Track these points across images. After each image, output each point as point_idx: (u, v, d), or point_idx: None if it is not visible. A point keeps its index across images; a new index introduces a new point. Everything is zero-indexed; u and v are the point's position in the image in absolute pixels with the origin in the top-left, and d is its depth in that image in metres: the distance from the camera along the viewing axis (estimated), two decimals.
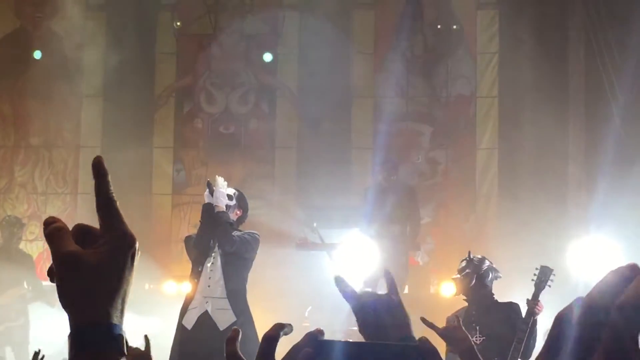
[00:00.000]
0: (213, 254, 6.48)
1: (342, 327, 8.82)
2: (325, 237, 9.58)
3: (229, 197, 6.79)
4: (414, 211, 10.28)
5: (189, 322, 6.29)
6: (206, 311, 6.25)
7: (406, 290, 10.44)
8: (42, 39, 13.50)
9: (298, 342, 1.57)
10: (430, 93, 13.16)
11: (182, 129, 13.33)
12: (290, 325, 1.61)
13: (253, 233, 6.76)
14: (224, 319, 6.16)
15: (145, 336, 3.64)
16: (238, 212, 6.87)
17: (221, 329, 6.09)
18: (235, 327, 1.67)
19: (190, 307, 6.38)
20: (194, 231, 11.95)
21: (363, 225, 9.81)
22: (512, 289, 8.17)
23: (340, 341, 1.53)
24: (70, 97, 13.29)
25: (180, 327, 6.33)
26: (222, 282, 6.31)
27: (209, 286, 6.34)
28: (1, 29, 13.58)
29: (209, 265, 6.44)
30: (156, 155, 13.17)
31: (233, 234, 6.57)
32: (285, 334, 1.59)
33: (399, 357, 1.44)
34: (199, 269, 6.44)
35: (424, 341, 1.47)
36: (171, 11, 13.46)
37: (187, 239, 7.01)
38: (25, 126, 13.27)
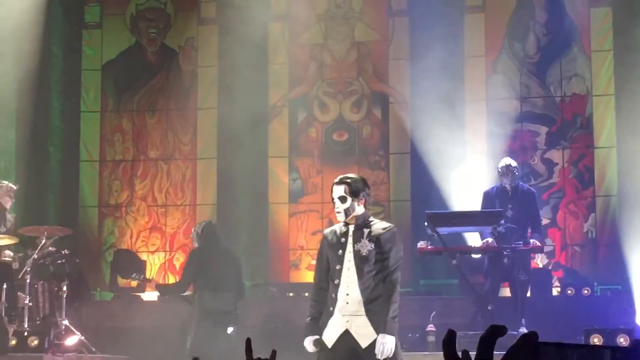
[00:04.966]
0: (348, 266, 5.91)
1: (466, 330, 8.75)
2: (446, 242, 9.54)
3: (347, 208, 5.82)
4: (535, 213, 10.15)
5: (329, 340, 5.90)
6: (347, 330, 5.86)
7: (528, 294, 10.31)
8: (157, 54, 13.80)
9: (515, 343, 1.61)
10: (544, 93, 13.03)
11: (297, 138, 13.44)
12: (505, 327, 1.63)
13: (392, 235, 5.93)
14: (366, 334, 5.78)
15: (273, 351, 3.60)
16: (361, 202, 5.89)
17: (363, 346, 5.78)
18: (450, 329, 1.65)
19: (330, 323, 5.94)
20: (312, 239, 11.98)
21: (484, 228, 9.73)
22: None
23: (555, 342, 1.56)
24: (186, 110, 13.54)
25: (322, 343, 6.01)
26: (360, 297, 5.85)
27: (347, 303, 5.88)
28: (118, 45, 13.91)
29: (344, 280, 5.91)
30: (271, 165, 13.31)
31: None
32: (501, 335, 1.62)
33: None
34: (336, 282, 5.92)
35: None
36: (282, 22, 13.60)
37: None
38: (144, 140, 13.56)
